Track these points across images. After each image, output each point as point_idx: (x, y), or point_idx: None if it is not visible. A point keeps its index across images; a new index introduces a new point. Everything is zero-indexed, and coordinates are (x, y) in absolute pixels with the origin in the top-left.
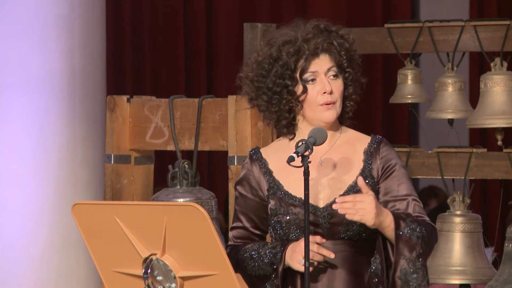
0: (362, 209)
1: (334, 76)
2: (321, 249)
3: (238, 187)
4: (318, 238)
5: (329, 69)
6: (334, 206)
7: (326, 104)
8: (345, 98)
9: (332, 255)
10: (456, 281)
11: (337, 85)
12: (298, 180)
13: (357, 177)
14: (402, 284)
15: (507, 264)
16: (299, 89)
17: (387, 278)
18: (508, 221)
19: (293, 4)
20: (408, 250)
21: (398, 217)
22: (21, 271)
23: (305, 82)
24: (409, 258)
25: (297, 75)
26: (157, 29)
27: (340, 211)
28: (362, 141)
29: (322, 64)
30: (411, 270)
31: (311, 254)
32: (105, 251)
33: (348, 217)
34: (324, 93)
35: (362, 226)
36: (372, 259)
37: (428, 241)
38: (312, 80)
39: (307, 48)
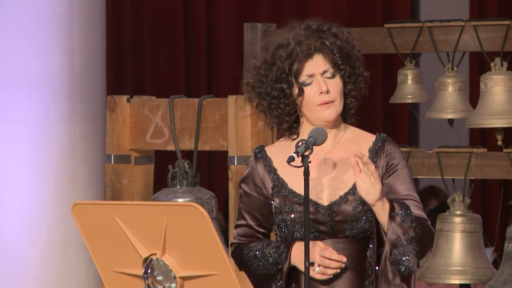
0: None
1: (330, 76)
2: (333, 254)
3: (242, 185)
4: (329, 249)
5: (324, 71)
6: (353, 157)
7: (324, 103)
8: (345, 95)
9: (344, 259)
10: (456, 281)
11: (334, 84)
12: (302, 179)
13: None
14: (393, 267)
15: (507, 264)
16: (295, 91)
17: (378, 265)
18: (508, 221)
19: (293, 4)
20: (401, 233)
21: (394, 202)
22: (21, 271)
23: (301, 84)
24: (401, 240)
25: (292, 78)
26: (157, 29)
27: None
28: (366, 139)
29: (316, 66)
30: (402, 253)
31: (326, 262)
32: (105, 251)
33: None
34: (321, 93)
35: (366, 223)
36: (367, 249)
37: (423, 237)
38: (309, 83)
39: (300, 51)
